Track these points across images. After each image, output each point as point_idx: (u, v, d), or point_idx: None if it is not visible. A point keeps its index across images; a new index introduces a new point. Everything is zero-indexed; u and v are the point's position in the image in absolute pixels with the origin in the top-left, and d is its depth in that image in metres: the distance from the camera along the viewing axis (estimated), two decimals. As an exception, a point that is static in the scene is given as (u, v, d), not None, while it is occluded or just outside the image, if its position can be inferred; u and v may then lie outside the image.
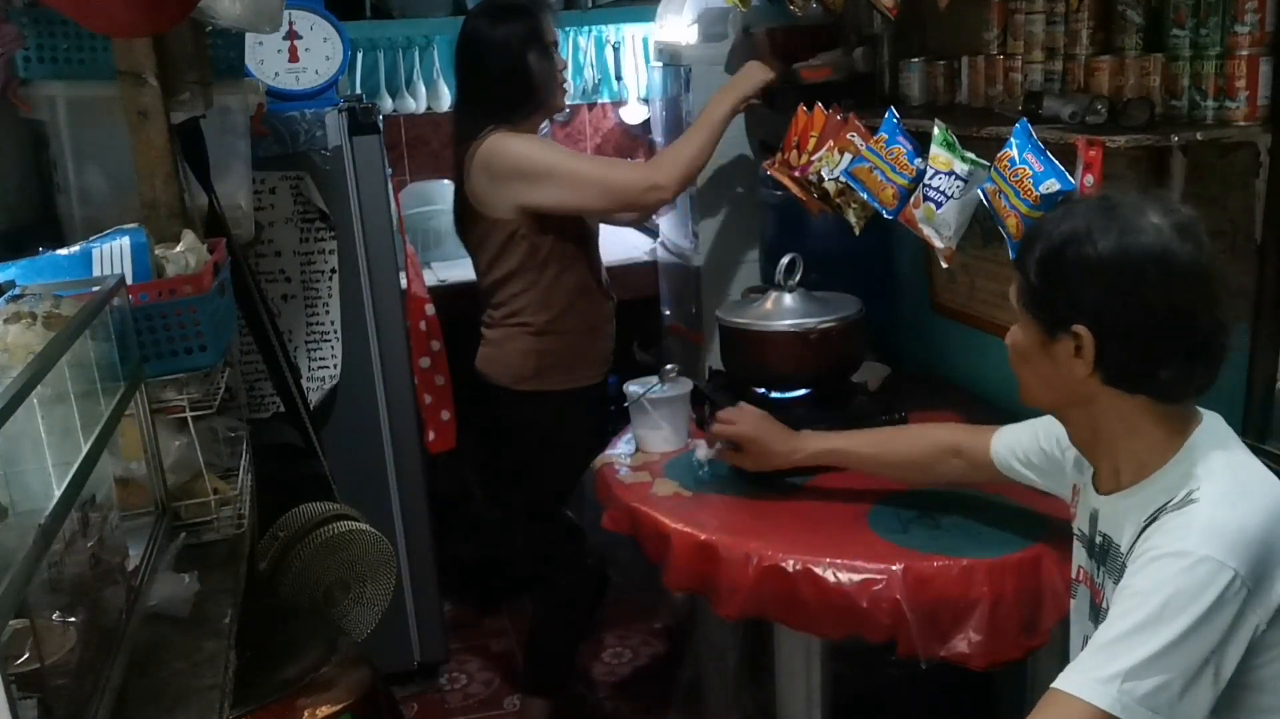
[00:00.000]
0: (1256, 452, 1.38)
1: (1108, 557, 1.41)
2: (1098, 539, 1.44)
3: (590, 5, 3.95)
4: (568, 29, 4.04)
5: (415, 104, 3.95)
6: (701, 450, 2.16)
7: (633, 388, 2.30)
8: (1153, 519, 1.31)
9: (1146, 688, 1.21)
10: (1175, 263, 1.27)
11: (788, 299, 2.26)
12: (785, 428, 2.00)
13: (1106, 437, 1.39)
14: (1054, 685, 1.26)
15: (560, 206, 2.44)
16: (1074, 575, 1.52)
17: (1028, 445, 1.70)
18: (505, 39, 2.47)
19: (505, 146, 2.42)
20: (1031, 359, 1.41)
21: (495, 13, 2.50)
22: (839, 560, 1.76)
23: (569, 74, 2.57)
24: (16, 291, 1.41)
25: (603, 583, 2.85)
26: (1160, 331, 1.29)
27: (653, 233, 3.79)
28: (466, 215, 2.55)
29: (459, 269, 3.28)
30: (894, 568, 1.73)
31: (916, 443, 1.90)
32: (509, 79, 2.46)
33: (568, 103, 2.63)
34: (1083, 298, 1.32)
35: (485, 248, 2.52)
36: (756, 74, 2.47)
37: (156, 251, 1.66)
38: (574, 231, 2.52)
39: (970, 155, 1.89)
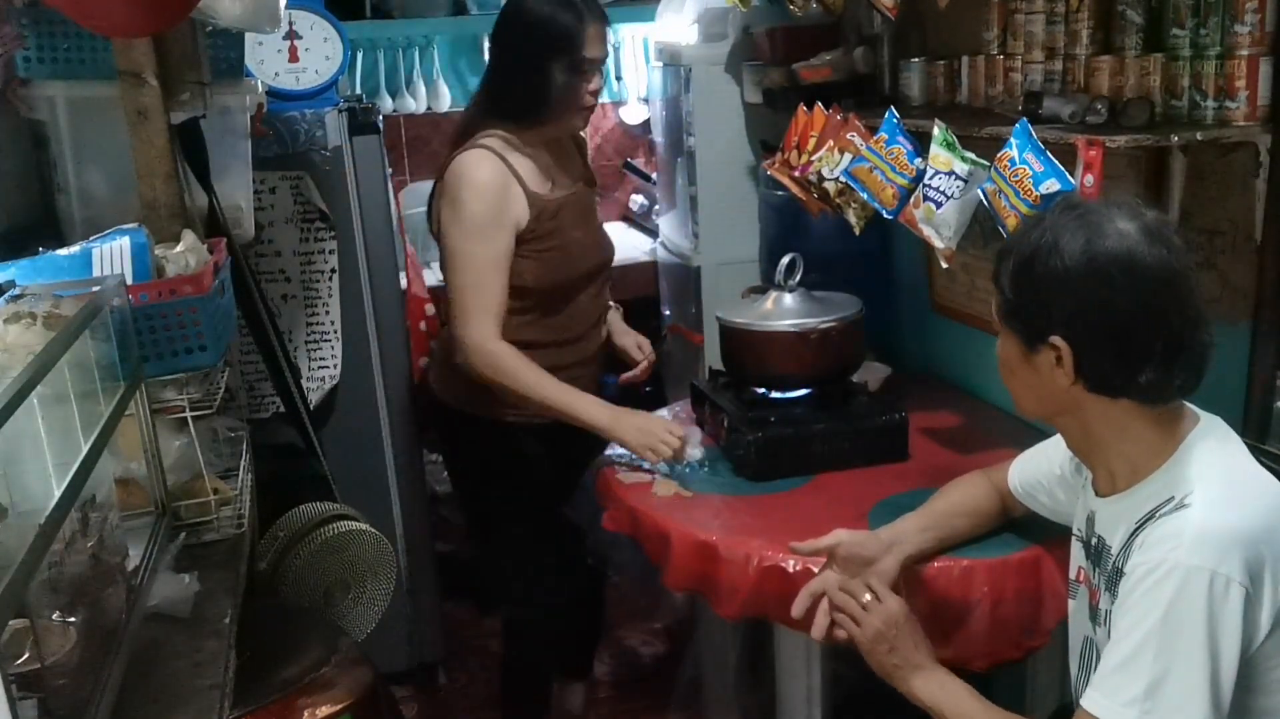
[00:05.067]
0: (1256, 452, 1.38)
1: (1101, 558, 1.41)
2: (1093, 541, 1.44)
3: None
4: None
5: (415, 104, 3.96)
6: (695, 450, 2.15)
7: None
8: (1144, 523, 1.31)
9: (1167, 706, 1.23)
10: (1142, 266, 1.27)
11: (788, 299, 2.26)
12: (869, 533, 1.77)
13: (1099, 442, 1.39)
14: (1083, 705, 1.30)
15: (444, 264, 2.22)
16: (1073, 576, 1.52)
17: (1036, 470, 1.70)
18: (537, 35, 2.16)
19: (468, 174, 2.15)
20: (1017, 372, 1.42)
21: (541, 2, 2.18)
22: (839, 560, 1.75)
23: (601, 97, 2.29)
24: (16, 291, 1.41)
25: (598, 582, 2.78)
26: (1135, 335, 1.30)
27: (653, 233, 3.80)
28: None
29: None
30: (894, 568, 1.72)
31: (978, 492, 1.80)
32: (525, 79, 2.18)
33: (585, 124, 2.34)
34: (1055, 309, 1.32)
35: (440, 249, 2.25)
36: (635, 438, 2.15)
37: (156, 251, 1.66)
38: (529, 297, 2.24)
39: (970, 155, 1.89)
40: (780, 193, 2.58)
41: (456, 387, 2.31)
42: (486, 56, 2.41)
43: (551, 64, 2.15)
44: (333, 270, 2.77)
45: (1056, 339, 1.33)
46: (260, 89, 2.28)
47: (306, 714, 1.68)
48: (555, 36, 2.15)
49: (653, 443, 2.12)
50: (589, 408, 2.17)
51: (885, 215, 2.07)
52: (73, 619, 1.15)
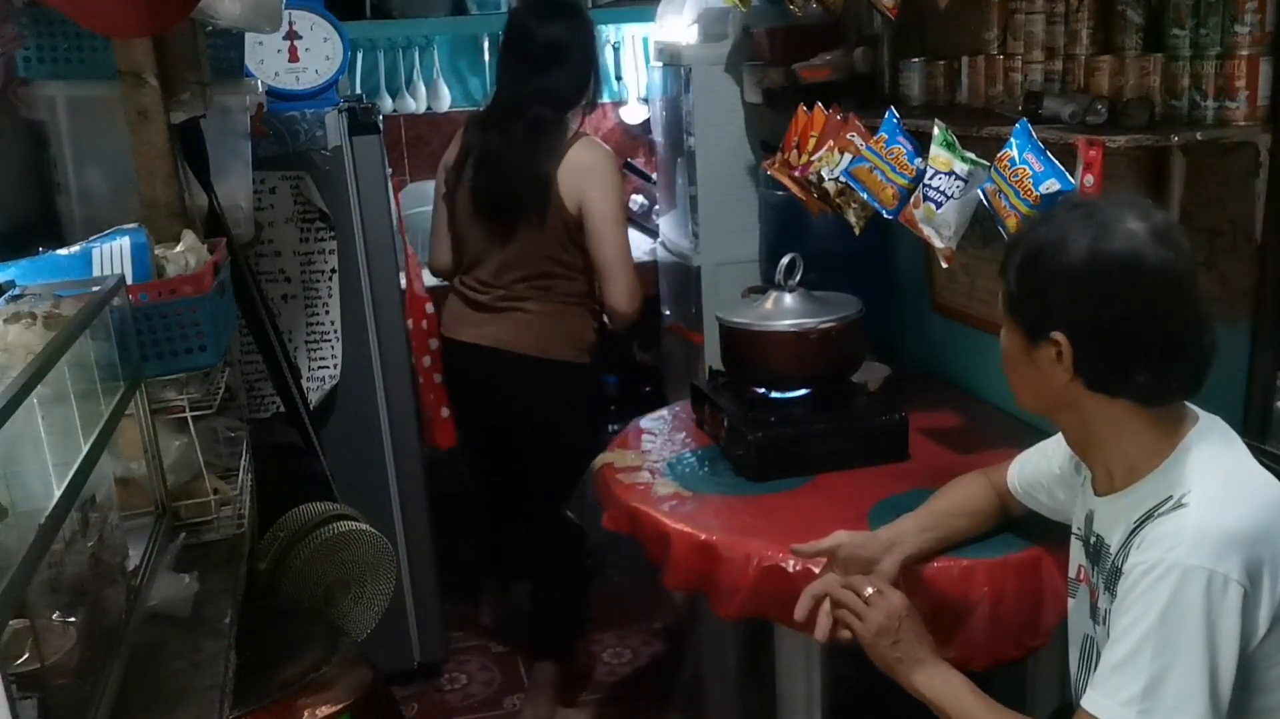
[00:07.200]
0: (1256, 452, 1.38)
1: (1100, 557, 1.41)
2: (1092, 540, 1.45)
3: (590, 5, 3.95)
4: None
5: (415, 104, 3.95)
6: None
7: None
8: (1143, 522, 1.31)
9: (1166, 705, 1.23)
10: (1144, 267, 1.27)
11: (788, 299, 2.26)
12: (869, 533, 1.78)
13: (1097, 439, 1.40)
14: (1083, 705, 1.31)
15: (591, 230, 2.63)
16: (1073, 574, 1.52)
17: (1035, 469, 1.70)
18: (586, 36, 2.67)
19: (611, 160, 2.66)
20: (1018, 365, 1.42)
21: (570, 10, 2.68)
22: (839, 560, 1.75)
23: (601, 97, 3.02)
24: (16, 291, 1.41)
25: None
26: (1133, 336, 1.30)
27: (653, 233, 3.80)
28: (527, 195, 2.63)
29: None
30: (894, 568, 1.72)
31: (978, 492, 1.81)
32: (583, 75, 2.66)
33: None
34: (1057, 304, 1.33)
35: (554, 230, 2.64)
36: None
37: (156, 251, 1.66)
38: None
39: (970, 155, 1.89)
40: (780, 193, 2.58)
41: (563, 341, 2.74)
42: (492, 60, 2.56)
43: (598, 58, 2.74)
44: (333, 270, 2.77)
45: (1058, 335, 1.33)
46: (260, 89, 2.28)
47: (306, 714, 1.69)
48: (593, 35, 2.71)
49: None
50: None
51: (885, 215, 2.07)
52: (73, 619, 1.14)
